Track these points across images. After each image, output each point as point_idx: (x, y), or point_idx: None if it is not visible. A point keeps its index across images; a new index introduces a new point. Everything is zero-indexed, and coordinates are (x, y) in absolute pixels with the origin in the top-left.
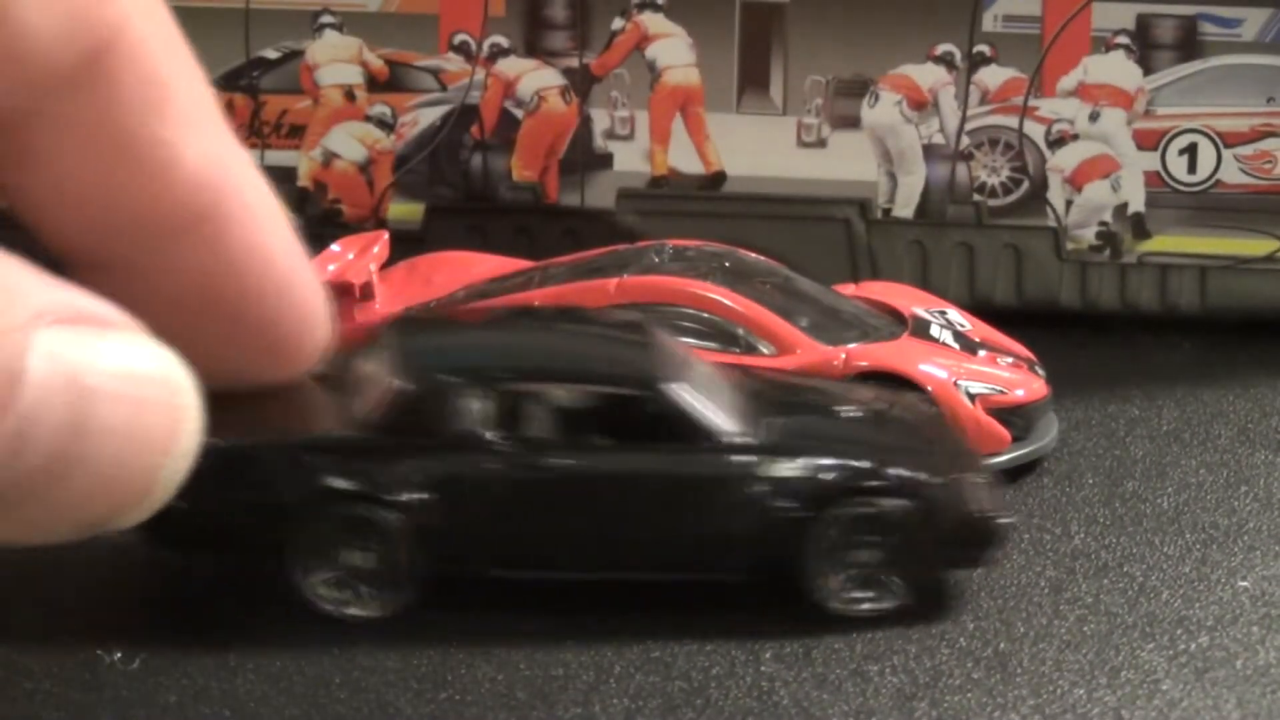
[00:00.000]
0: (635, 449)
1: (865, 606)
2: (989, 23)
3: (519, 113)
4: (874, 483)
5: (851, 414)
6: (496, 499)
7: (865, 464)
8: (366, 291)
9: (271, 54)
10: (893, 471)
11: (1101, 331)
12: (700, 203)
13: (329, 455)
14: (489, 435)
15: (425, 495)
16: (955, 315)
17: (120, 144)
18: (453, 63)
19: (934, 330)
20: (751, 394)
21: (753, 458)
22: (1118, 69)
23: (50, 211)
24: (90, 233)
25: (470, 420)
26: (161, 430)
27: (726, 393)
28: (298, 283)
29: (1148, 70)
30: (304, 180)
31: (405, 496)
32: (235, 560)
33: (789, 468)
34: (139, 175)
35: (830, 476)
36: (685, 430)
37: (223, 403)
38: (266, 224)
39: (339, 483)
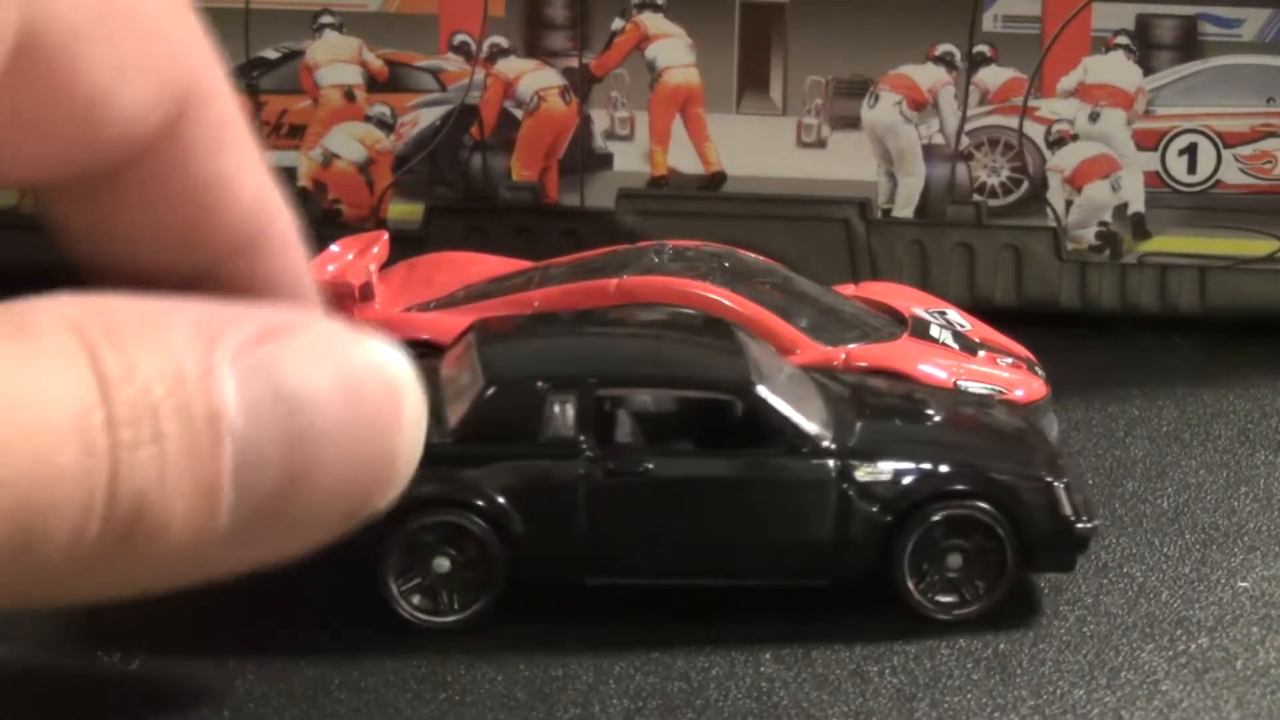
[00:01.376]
0: (724, 454)
1: (954, 612)
2: (989, 23)
3: (519, 113)
4: (962, 487)
5: (940, 419)
6: (586, 505)
7: (954, 468)
8: (366, 292)
9: (271, 54)
10: (981, 476)
11: (1101, 332)
12: (700, 203)
13: (420, 463)
14: (579, 440)
15: (516, 501)
16: (955, 316)
17: (187, 186)
18: (452, 63)
19: (934, 330)
20: (840, 398)
21: (843, 462)
22: (1118, 69)
23: (102, 242)
24: (138, 261)
25: (560, 425)
26: (384, 411)
27: (815, 397)
28: (308, 297)
29: (1148, 70)
30: (304, 180)
31: (495, 503)
32: (323, 568)
33: (878, 472)
34: (200, 212)
35: (918, 481)
36: (774, 435)
37: None
38: (294, 248)
39: (429, 490)
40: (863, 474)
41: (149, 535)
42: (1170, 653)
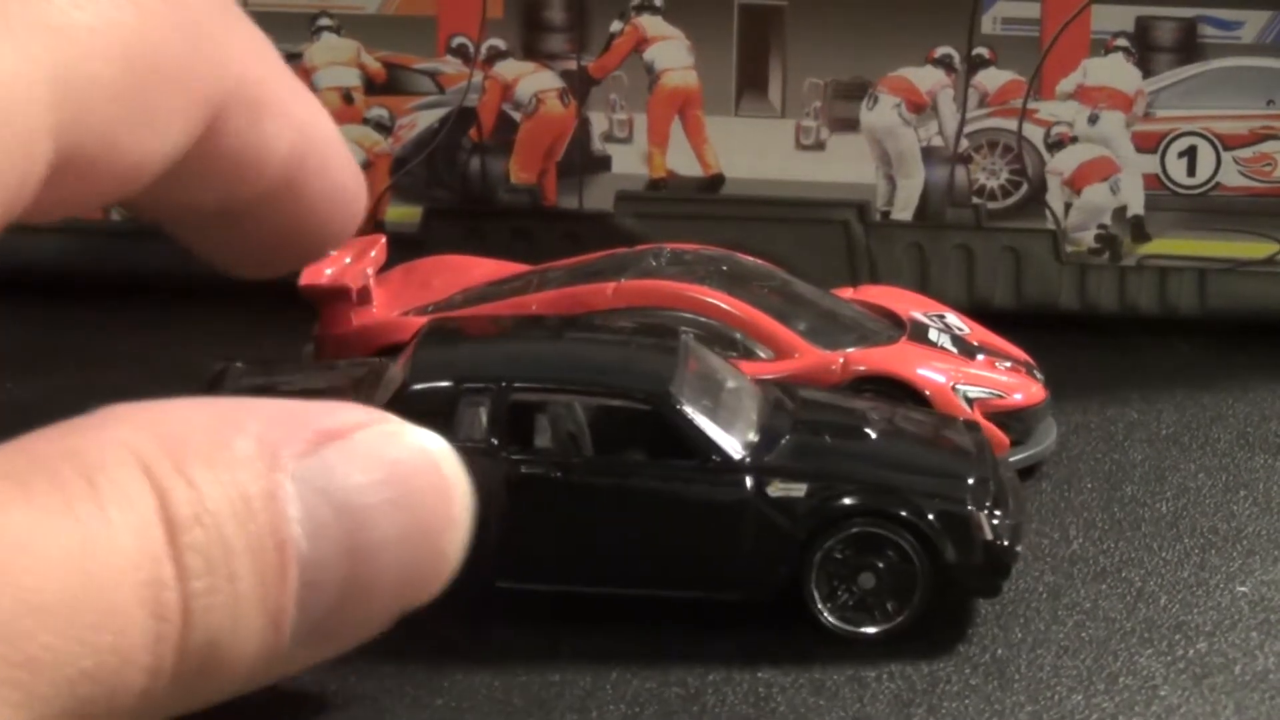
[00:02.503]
0: (637, 463)
1: (866, 630)
2: (988, 25)
3: (517, 115)
4: (880, 507)
5: (875, 436)
6: (496, 507)
7: (870, 487)
8: (363, 296)
9: None
10: (897, 496)
11: (1100, 334)
12: (698, 205)
13: None
14: (491, 442)
15: None
16: (953, 319)
17: (231, 158)
18: (451, 65)
19: (932, 334)
20: (778, 413)
21: (757, 477)
22: (1117, 71)
23: (154, 204)
24: (189, 209)
25: (473, 427)
26: (436, 513)
27: (750, 411)
28: (350, 187)
29: (1147, 72)
30: None
31: None
32: None
33: (791, 489)
34: (244, 169)
35: (831, 499)
36: (689, 447)
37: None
38: (332, 154)
39: None
40: (776, 490)
41: (216, 671)
42: (1169, 658)
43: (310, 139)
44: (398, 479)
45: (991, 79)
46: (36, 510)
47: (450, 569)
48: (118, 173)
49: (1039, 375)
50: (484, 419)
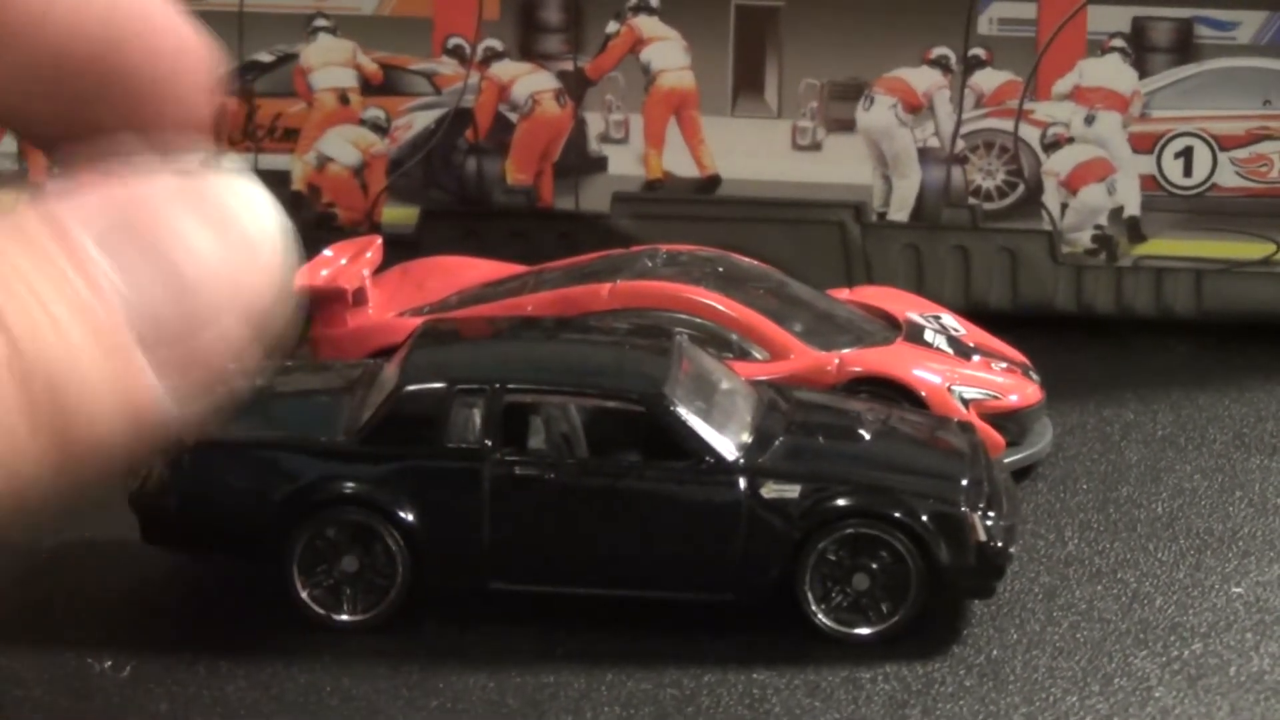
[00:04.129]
0: (630, 464)
1: (860, 631)
2: (984, 26)
3: (513, 116)
4: (874, 508)
5: (869, 437)
6: (489, 509)
7: (864, 489)
8: (359, 297)
9: (265, 57)
10: (891, 497)
11: (1097, 335)
12: (695, 206)
13: (328, 459)
14: (484, 444)
15: (420, 503)
16: (949, 320)
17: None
18: (447, 66)
19: (928, 335)
20: (773, 414)
21: (750, 478)
22: (1113, 72)
23: None
24: (40, 113)
25: (466, 429)
26: (239, 217)
27: (745, 412)
28: (185, 46)
29: (1143, 73)
30: (298, 184)
31: (400, 504)
32: (229, 559)
33: (785, 490)
34: (24, 36)
35: (825, 501)
36: (682, 448)
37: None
38: (151, 10)
39: (335, 487)
40: (770, 491)
41: (75, 408)
42: (1164, 659)
43: None
44: (188, 195)
45: (988, 79)
46: None
47: (279, 268)
48: None
49: (1035, 376)
50: (478, 420)
